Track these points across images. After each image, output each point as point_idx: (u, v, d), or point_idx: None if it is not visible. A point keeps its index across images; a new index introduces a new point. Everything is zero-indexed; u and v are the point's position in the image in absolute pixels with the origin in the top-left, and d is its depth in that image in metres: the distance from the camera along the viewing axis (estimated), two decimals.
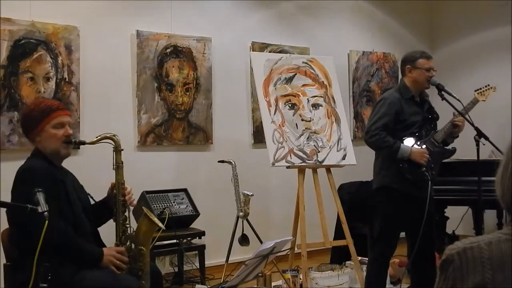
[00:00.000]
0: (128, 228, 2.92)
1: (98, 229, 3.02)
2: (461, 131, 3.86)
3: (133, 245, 2.90)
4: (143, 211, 2.95)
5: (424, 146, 3.76)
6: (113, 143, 2.97)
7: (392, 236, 3.85)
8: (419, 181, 3.70)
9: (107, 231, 3.08)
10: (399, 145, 3.68)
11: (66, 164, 3.01)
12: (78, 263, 2.70)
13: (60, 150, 2.83)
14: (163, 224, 3.08)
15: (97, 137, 2.93)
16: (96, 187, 3.17)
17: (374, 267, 3.91)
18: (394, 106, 3.73)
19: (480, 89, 3.99)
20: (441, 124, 3.92)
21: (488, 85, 4.01)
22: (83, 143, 2.94)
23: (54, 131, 2.80)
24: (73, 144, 2.89)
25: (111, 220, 2.99)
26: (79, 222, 2.82)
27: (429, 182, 3.66)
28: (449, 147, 3.90)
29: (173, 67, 5.33)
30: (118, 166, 2.95)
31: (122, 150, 2.99)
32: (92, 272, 2.69)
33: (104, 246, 2.96)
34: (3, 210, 2.72)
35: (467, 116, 3.75)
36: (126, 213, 2.93)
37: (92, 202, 3.06)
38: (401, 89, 3.85)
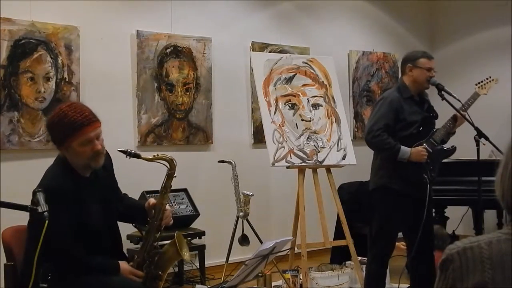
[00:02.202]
0: (155, 249, 2.85)
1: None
2: (458, 126, 3.83)
3: (152, 267, 2.85)
4: (175, 236, 2.87)
5: (423, 146, 3.75)
6: (168, 166, 2.84)
7: (390, 236, 3.85)
8: (418, 182, 3.70)
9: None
10: (400, 147, 3.68)
11: None
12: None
13: (89, 164, 2.67)
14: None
15: (154, 156, 2.80)
16: None
17: (373, 267, 3.91)
18: (394, 105, 3.73)
19: (481, 82, 3.93)
20: (440, 124, 3.92)
21: (490, 77, 3.97)
22: (138, 156, 2.76)
23: (81, 149, 2.62)
24: (128, 155, 2.75)
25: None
26: (98, 239, 2.72)
27: (428, 185, 3.66)
28: (449, 146, 3.89)
29: (173, 67, 5.33)
30: (166, 191, 2.84)
31: (175, 176, 2.86)
32: (99, 276, 2.66)
33: (125, 256, 2.90)
34: (4, 210, 2.71)
35: (467, 116, 3.74)
36: (158, 235, 2.85)
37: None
38: (401, 88, 3.84)
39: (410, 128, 3.75)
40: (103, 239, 2.78)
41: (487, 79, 3.95)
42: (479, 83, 3.94)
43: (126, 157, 2.77)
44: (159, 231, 2.85)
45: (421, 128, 3.77)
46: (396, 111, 3.73)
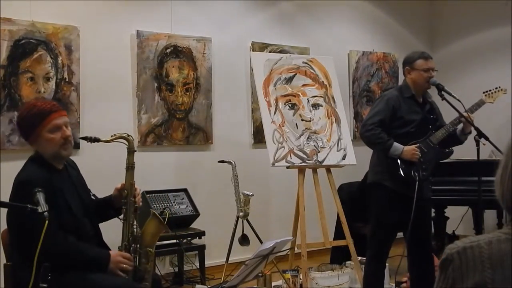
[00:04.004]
0: (135, 229, 2.90)
1: (101, 228, 3.00)
2: (469, 127, 3.78)
3: (138, 246, 2.88)
4: (150, 212, 2.96)
5: (417, 145, 3.75)
6: (127, 143, 2.94)
7: (386, 233, 3.85)
8: (410, 180, 3.71)
9: (110, 231, 3.08)
10: (392, 142, 3.69)
11: None
12: (85, 268, 2.68)
13: (60, 152, 2.77)
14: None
15: (112, 136, 2.90)
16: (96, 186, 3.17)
17: (372, 266, 3.92)
18: (391, 103, 3.75)
19: (490, 91, 3.91)
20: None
21: (499, 87, 3.93)
22: (98, 140, 2.86)
23: (51, 136, 2.72)
24: (88, 140, 2.85)
25: (113, 221, 2.98)
26: (81, 227, 2.79)
27: (417, 182, 3.66)
28: (446, 148, 3.90)
29: (173, 67, 5.33)
30: (131, 167, 2.93)
31: (135, 151, 2.97)
32: (94, 275, 2.67)
33: (107, 247, 2.93)
34: (3, 210, 2.71)
35: (468, 118, 3.74)
36: (134, 214, 2.91)
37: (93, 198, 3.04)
38: (402, 87, 3.87)
39: (407, 127, 3.77)
40: (86, 228, 2.82)
41: (495, 88, 3.91)
42: (487, 91, 3.91)
43: (88, 142, 2.87)
44: (136, 210, 2.91)
45: (418, 128, 3.78)
46: (393, 109, 3.75)
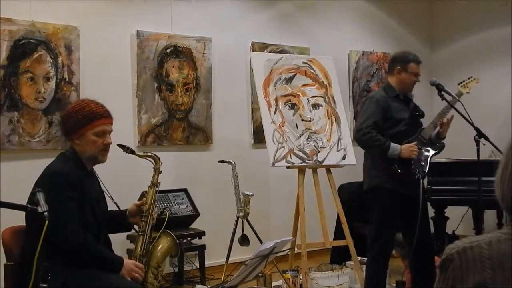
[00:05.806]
0: (150, 243, 2.99)
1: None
2: (446, 130, 3.87)
3: (149, 260, 2.97)
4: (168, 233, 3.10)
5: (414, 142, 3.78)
6: (154, 163, 3.11)
7: (387, 235, 3.86)
8: (409, 179, 3.71)
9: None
10: (390, 143, 3.71)
11: None
12: (98, 268, 2.69)
13: (97, 156, 2.83)
14: (163, 225, 3.15)
15: (144, 153, 3.17)
16: None
17: (373, 267, 3.92)
18: (381, 103, 3.79)
19: (463, 81, 4.01)
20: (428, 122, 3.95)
21: (471, 76, 4.04)
22: (133, 152, 3.02)
23: (94, 138, 2.79)
24: (126, 150, 2.98)
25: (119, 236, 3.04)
26: (98, 232, 2.82)
27: (420, 180, 3.68)
28: (438, 143, 3.92)
29: (173, 67, 5.33)
30: (156, 185, 3.08)
31: (161, 172, 3.12)
32: (106, 275, 2.69)
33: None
34: (3, 210, 2.71)
35: (466, 116, 3.74)
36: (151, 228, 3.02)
37: (115, 208, 3.09)
38: (386, 88, 3.91)
39: (398, 126, 3.80)
40: (102, 232, 2.87)
41: (468, 78, 4.03)
42: (461, 82, 4.02)
43: (124, 151, 3.01)
44: (153, 227, 3.00)
45: (408, 126, 3.81)
46: (383, 110, 3.78)
